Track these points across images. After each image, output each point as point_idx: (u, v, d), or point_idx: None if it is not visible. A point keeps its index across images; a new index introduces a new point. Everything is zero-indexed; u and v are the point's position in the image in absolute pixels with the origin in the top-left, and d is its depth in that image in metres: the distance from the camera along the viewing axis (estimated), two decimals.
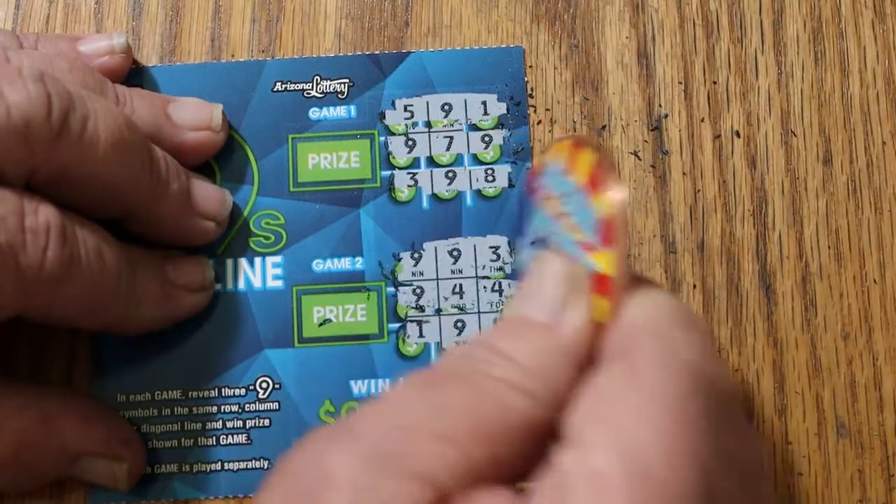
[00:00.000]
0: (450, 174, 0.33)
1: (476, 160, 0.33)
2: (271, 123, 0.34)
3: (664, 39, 0.35)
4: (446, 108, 0.34)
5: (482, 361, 0.22)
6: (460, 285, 0.33)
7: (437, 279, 0.33)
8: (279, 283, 0.32)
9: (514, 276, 0.32)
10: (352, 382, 0.32)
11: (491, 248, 0.33)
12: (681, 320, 0.23)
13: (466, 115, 0.34)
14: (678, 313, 0.23)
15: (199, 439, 0.31)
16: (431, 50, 0.34)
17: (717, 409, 0.21)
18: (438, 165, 0.33)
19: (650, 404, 0.20)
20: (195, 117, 0.32)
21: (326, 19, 0.35)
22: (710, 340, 0.23)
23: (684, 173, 0.34)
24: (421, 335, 0.32)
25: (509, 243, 0.33)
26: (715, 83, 0.34)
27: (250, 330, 0.32)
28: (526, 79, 0.34)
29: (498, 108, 0.34)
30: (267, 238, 0.33)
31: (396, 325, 0.32)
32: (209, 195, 0.31)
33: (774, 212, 0.33)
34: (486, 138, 0.34)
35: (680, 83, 0.34)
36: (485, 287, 0.32)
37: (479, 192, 0.33)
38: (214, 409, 0.31)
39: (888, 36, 0.35)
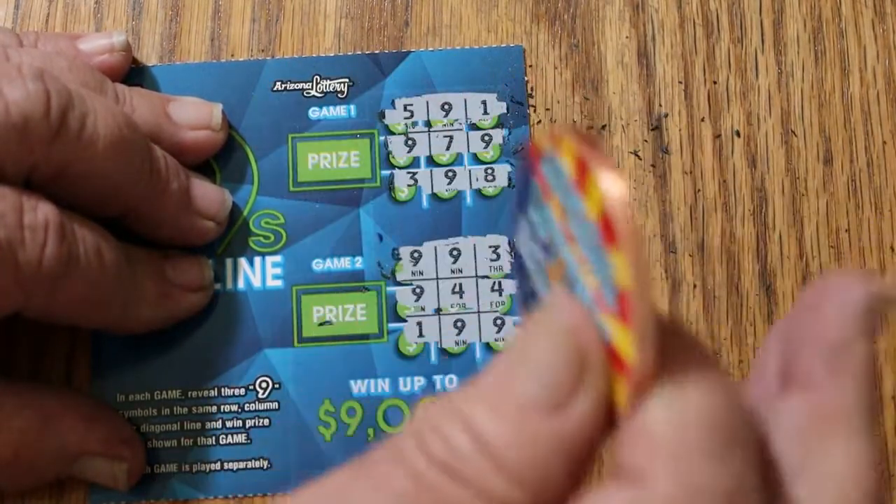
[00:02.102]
0: (449, 173, 0.33)
1: (476, 159, 0.33)
2: (271, 123, 0.34)
3: (664, 39, 0.35)
4: (446, 107, 0.34)
5: (453, 452, 0.17)
6: (460, 285, 0.32)
7: (437, 279, 0.33)
8: (279, 283, 0.32)
9: (511, 274, 0.32)
10: (351, 382, 0.32)
11: (491, 247, 0.33)
12: (713, 441, 0.17)
13: (466, 115, 0.34)
14: (713, 428, 0.17)
15: (199, 439, 0.31)
16: (431, 49, 0.34)
17: None
18: (438, 165, 0.33)
19: None
20: (195, 116, 0.32)
21: (326, 19, 0.35)
22: (750, 455, 0.18)
23: (684, 173, 0.34)
24: (421, 335, 0.32)
25: (509, 242, 0.33)
26: (715, 83, 0.34)
27: (250, 330, 0.32)
28: (526, 78, 0.34)
29: (498, 107, 0.34)
30: (267, 238, 0.33)
31: (396, 325, 0.32)
32: (208, 194, 0.31)
33: (774, 212, 0.33)
34: (486, 138, 0.34)
35: (680, 83, 0.34)
36: (485, 287, 0.32)
37: (478, 192, 0.33)
38: (214, 408, 0.31)
39: (888, 36, 0.35)
